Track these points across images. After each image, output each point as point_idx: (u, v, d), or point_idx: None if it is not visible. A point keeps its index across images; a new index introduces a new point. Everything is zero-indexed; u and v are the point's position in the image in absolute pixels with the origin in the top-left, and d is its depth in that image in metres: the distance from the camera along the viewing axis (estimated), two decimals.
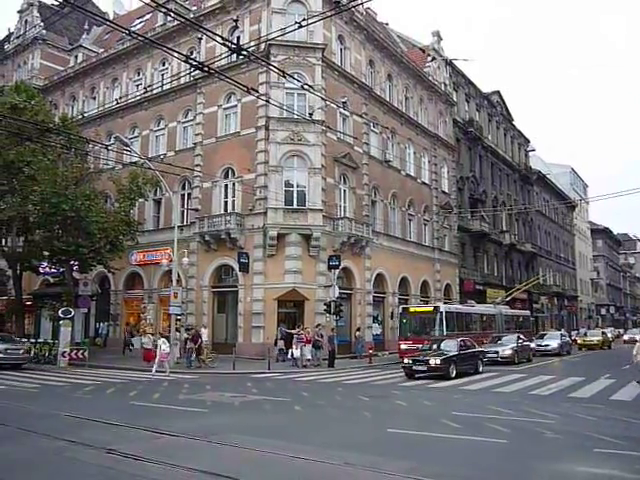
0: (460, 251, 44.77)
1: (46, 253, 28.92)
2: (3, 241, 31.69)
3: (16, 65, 45.99)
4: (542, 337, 36.57)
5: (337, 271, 29.42)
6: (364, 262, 32.68)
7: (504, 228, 53.02)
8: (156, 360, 22.64)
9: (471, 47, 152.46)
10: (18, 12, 47.49)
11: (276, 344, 26.41)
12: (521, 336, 30.46)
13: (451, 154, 44.64)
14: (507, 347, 27.64)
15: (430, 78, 42.14)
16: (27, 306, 33.84)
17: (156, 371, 22.16)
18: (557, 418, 11.88)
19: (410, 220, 38.82)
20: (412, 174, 39.12)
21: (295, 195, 29.05)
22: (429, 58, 43.51)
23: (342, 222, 30.39)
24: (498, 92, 57.35)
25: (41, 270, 32.52)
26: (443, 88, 44.00)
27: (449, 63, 46.14)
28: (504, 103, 58.91)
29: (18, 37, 46.51)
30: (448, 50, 47.06)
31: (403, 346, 27.67)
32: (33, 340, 28.17)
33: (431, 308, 29.80)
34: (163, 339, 23.78)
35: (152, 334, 27.52)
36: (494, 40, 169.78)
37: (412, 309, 30.18)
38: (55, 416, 11.88)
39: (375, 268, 33.64)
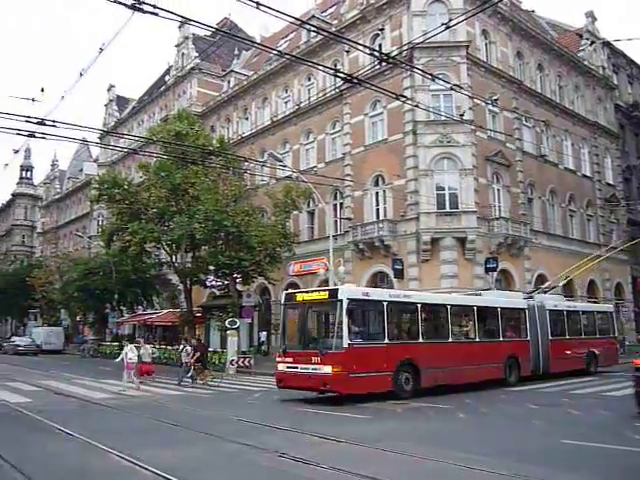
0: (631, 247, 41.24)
1: (212, 267, 30.80)
2: (174, 258, 34.16)
3: (176, 95, 49.75)
4: None
5: (495, 274, 28.48)
6: (523, 263, 31.20)
7: None
8: (125, 371, 19.77)
9: (630, 23, 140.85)
10: (175, 46, 51.40)
11: None
12: None
13: (614, 142, 41.41)
14: None
15: (586, 63, 39.45)
16: (197, 317, 36.20)
17: (127, 382, 19.45)
18: None
19: (571, 216, 36.49)
20: (571, 167, 36.82)
21: (447, 198, 28.45)
22: (583, 41, 40.80)
23: (498, 223, 29.28)
24: None
25: (208, 283, 34.64)
26: (601, 72, 40.97)
27: (607, 44, 42.85)
28: None
29: (176, 69, 50.47)
30: (604, 30, 43.86)
31: (280, 366, 16.58)
32: None
33: (325, 294, 16.50)
34: (131, 346, 20.77)
35: None
36: None
37: (300, 297, 17.17)
38: (229, 420, 12.48)
39: (535, 269, 31.97)
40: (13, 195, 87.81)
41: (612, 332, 26.19)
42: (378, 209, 30.87)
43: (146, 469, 7.81)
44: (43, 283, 52.81)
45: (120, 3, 8.74)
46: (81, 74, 14.30)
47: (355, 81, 12.98)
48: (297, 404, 15.57)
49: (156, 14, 8.95)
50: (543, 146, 34.56)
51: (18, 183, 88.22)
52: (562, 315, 23.08)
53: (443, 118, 26.82)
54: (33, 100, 15.12)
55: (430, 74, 13.88)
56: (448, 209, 28.34)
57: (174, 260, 34.10)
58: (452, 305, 18.59)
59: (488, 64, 31.33)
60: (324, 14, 38.60)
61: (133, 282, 40.60)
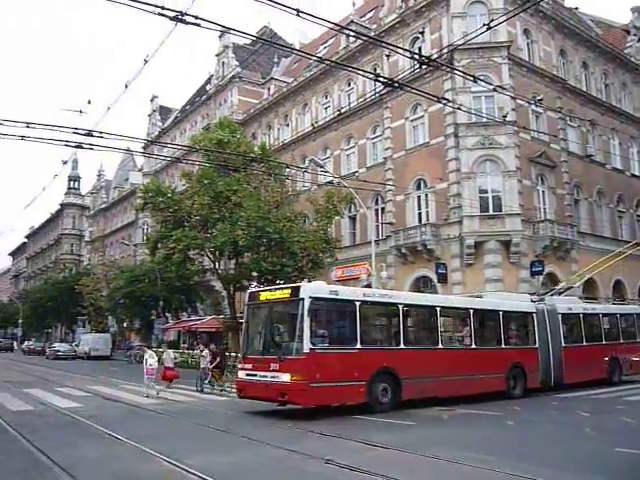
0: None
1: (254, 274, 30.96)
2: (217, 265, 34.49)
3: (218, 103, 50.46)
4: None
5: (541, 277, 27.95)
6: (570, 266, 30.43)
7: None
8: (145, 377, 18.98)
9: None
10: (216, 55, 52.17)
11: None
12: None
13: None
14: None
15: (633, 59, 38.43)
16: (240, 323, 36.34)
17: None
18: None
19: (620, 217, 35.56)
20: (619, 167, 35.89)
21: (490, 201, 28.10)
22: (629, 38, 39.75)
23: (543, 225, 28.77)
24: None
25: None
26: None
27: None
28: None
29: (217, 78, 51.21)
30: None
31: (240, 373, 15.22)
32: None
33: (287, 292, 14.56)
34: (150, 352, 20.30)
35: None
36: None
37: (263, 295, 15.31)
38: (275, 426, 12.51)
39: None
40: (61, 205, 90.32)
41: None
42: (420, 213, 30.67)
43: (193, 474, 7.89)
44: (91, 290, 54.06)
45: (164, 15, 8.87)
46: (126, 86, 14.58)
47: (396, 85, 12.89)
48: (342, 410, 15.49)
49: (198, 25, 9.06)
50: (589, 146, 33.77)
51: (66, 193, 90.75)
52: (578, 319, 20.72)
53: (485, 120, 26.52)
54: (81, 112, 15.44)
55: (472, 76, 13.71)
56: (492, 212, 27.99)
57: (217, 267, 34.42)
58: (442, 307, 16.68)
59: (530, 64, 30.87)
60: (363, 19, 38.63)
61: (177, 289, 41.16)
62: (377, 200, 33.34)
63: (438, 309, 16.30)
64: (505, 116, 22.59)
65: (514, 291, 26.77)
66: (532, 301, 19.95)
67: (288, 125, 41.67)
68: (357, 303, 14.34)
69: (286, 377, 13.15)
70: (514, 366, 17.65)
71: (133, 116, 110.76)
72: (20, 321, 73.62)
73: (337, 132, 36.47)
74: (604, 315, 22.35)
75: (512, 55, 29.26)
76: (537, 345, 18.72)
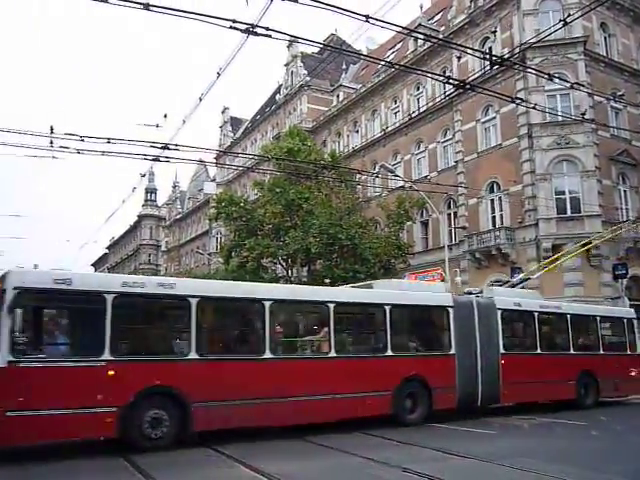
0: None
1: (327, 281, 31.09)
2: (290, 272, 34.82)
3: (287, 112, 51.15)
4: None
5: (625, 281, 26.74)
6: None
7: None
8: None
9: None
10: (284, 65, 52.97)
11: None
12: None
13: None
14: None
15: None
16: None
17: None
18: None
19: None
20: None
21: (568, 202, 27.21)
22: None
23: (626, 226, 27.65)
24: None
25: None
26: None
27: None
28: None
29: (286, 87, 51.96)
30: None
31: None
32: None
33: None
34: None
35: None
36: None
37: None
38: (354, 434, 12.35)
39: None
40: (139, 216, 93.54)
41: (632, 348, 18.34)
42: (494, 217, 30.05)
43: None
44: None
45: (235, 29, 9.07)
46: (200, 99, 14.96)
47: (467, 87, 12.72)
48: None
49: (269, 36, 9.21)
50: None
51: (143, 205, 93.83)
52: (530, 319, 15.86)
53: (561, 119, 25.76)
54: (157, 126, 15.96)
55: (547, 74, 13.35)
56: (569, 214, 27.12)
57: (290, 274, 34.76)
58: (274, 301, 11.96)
59: (608, 58, 29.83)
60: (431, 22, 38.34)
61: None
62: (449, 204, 32.89)
63: (266, 304, 11.72)
64: (583, 114, 21.79)
65: (596, 295, 25.87)
66: (473, 294, 15.87)
67: (358, 131, 41.76)
68: (109, 297, 10.15)
69: None
70: (409, 380, 13.19)
71: (205, 127, 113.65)
72: None
73: (407, 137, 36.25)
74: (574, 317, 16.97)
75: (588, 51, 28.33)
76: (453, 351, 14.01)
